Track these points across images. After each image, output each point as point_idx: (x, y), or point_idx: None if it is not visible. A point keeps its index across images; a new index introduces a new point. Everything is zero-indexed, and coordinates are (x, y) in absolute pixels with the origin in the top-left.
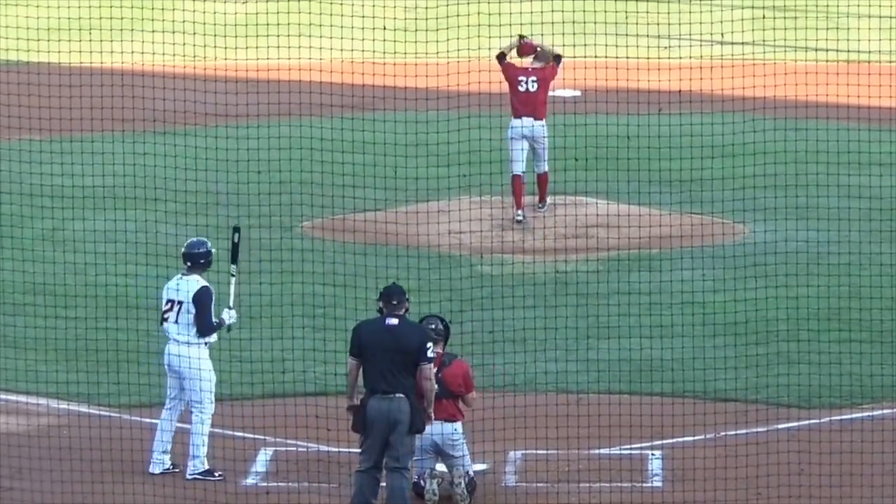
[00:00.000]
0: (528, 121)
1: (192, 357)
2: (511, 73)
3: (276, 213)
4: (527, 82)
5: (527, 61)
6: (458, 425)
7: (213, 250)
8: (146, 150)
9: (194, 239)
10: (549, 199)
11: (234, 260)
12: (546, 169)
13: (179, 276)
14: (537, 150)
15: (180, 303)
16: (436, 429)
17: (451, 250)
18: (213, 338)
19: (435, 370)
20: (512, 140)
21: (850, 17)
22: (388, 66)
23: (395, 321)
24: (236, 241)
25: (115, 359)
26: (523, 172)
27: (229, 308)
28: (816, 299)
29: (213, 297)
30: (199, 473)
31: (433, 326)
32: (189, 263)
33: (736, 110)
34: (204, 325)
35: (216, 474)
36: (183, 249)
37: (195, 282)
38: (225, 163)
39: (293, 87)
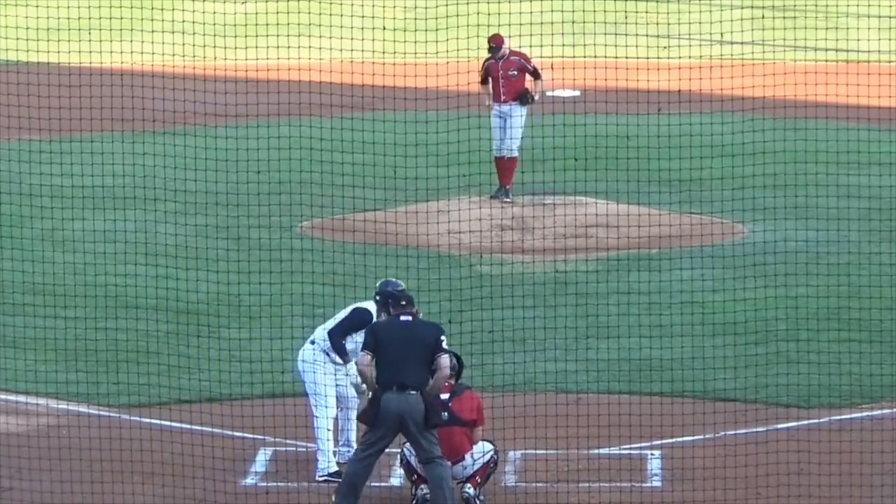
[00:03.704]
0: None
1: (304, 360)
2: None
3: (275, 213)
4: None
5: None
6: (468, 460)
7: (402, 293)
8: (145, 151)
9: (392, 279)
10: (546, 199)
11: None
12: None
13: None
14: None
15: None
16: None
17: (451, 250)
18: (335, 357)
19: (446, 397)
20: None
21: (849, 16)
22: (388, 66)
23: (409, 318)
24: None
25: (115, 359)
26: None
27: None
28: (816, 299)
29: (363, 325)
30: (327, 475)
31: None
32: (377, 297)
33: (735, 110)
34: (334, 338)
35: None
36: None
37: (363, 302)
38: (224, 163)
39: (292, 87)
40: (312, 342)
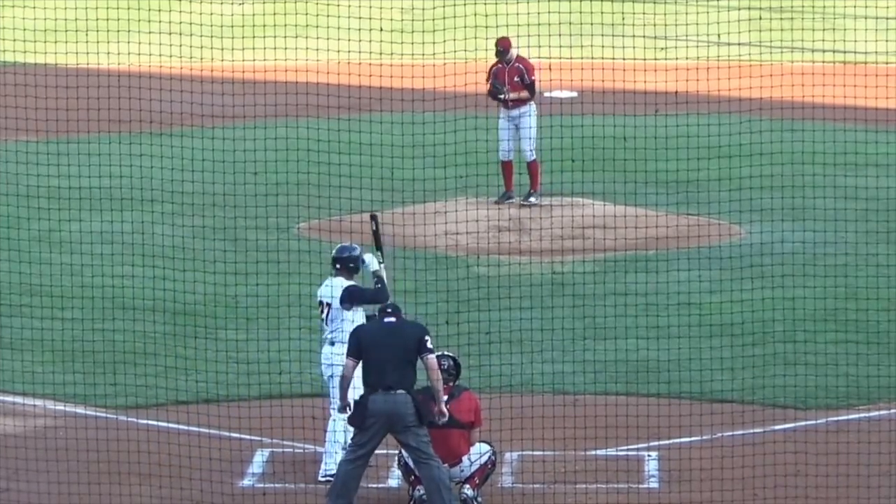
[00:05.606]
0: None
1: (334, 355)
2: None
3: (272, 215)
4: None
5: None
6: (465, 462)
7: (359, 254)
8: (142, 152)
9: (344, 244)
10: (543, 200)
11: (378, 247)
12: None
13: (329, 278)
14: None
15: (328, 304)
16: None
17: (448, 251)
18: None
19: (445, 398)
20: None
21: (846, 17)
22: (385, 68)
23: (392, 319)
24: (375, 228)
25: (112, 360)
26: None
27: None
28: (813, 300)
29: (357, 292)
30: (331, 475)
31: (445, 366)
32: (338, 266)
33: (732, 111)
34: (368, 294)
35: None
36: (333, 253)
37: (339, 285)
38: (221, 164)
39: (289, 89)
40: (332, 343)
